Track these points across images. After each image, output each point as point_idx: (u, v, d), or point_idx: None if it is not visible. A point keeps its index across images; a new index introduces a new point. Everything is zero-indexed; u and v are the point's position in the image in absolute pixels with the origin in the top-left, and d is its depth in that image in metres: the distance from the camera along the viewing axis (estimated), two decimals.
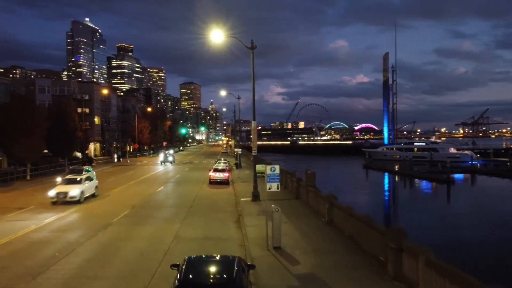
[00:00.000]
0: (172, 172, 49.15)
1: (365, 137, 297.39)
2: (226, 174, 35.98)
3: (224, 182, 35.08)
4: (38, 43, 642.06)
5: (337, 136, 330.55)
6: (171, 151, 71.48)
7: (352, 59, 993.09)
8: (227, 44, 27.65)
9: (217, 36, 24.01)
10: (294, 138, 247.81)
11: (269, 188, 13.94)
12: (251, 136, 27.05)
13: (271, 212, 14.00)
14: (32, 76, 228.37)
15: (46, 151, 47.34)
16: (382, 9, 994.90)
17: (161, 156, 65.24)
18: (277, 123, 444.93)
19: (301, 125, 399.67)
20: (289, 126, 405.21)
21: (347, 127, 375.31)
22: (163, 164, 60.67)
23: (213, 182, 35.07)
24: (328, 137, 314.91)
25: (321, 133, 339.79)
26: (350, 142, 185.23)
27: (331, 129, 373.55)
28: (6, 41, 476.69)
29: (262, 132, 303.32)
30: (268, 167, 13.96)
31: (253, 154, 26.44)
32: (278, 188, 14.03)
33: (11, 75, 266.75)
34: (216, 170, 36.44)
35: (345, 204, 15.84)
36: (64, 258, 13.19)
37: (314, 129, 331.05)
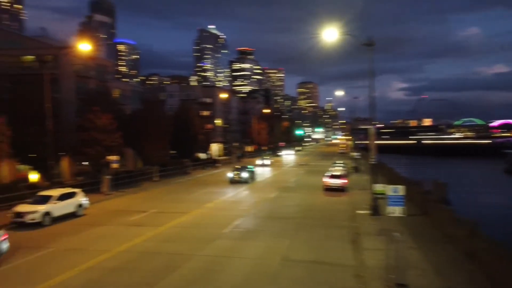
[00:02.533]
0: (287, 175, 48.48)
1: (506, 135, 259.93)
2: (343, 181, 33.59)
3: (340, 189, 32.84)
4: (171, 52, 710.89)
5: (470, 134, 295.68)
6: (250, 166, 44.72)
7: (487, 47, 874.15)
8: (344, 41, 25.73)
9: (331, 34, 22.52)
10: (418, 137, 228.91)
11: (391, 213, 11.68)
12: (369, 137, 24.53)
13: (393, 236, 11.73)
14: (168, 82, 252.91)
15: (174, 151, 50.66)
16: None
17: (229, 174, 40.72)
18: (398, 121, 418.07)
19: (426, 122, 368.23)
20: (412, 123, 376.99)
21: (481, 123, 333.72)
22: (233, 184, 38.43)
23: (329, 189, 33.13)
24: (459, 135, 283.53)
25: (450, 131, 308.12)
26: (489, 141, 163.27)
27: (462, 126, 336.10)
28: (145, 51, 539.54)
29: (382, 130, 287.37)
30: (390, 187, 11.73)
31: (371, 162, 23.84)
32: (403, 214, 11.67)
33: (149, 82, 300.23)
34: (332, 176, 34.34)
35: (495, 240, 12.47)
36: (166, 278, 12.86)
37: (441, 127, 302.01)
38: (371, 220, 20.86)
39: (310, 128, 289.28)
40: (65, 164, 38.41)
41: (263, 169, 55.39)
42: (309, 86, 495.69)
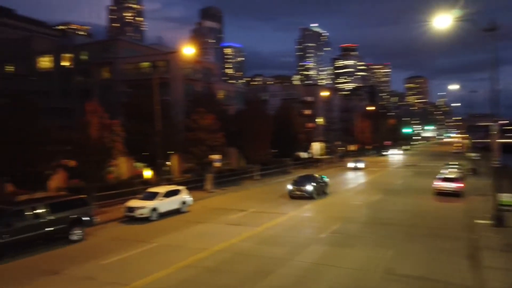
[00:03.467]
0: (393, 177, 45.38)
1: None
2: (458, 184, 30.01)
3: (454, 194, 29.44)
4: (275, 52, 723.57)
5: None
6: (322, 176, 33.30)
7: None
8: (460, 28, 22.89)
9: (444, 21, 19.92)
10: None
11: None
12: (491, 136, 21.49)
13: None
14: (272, 82, 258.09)
15: (275, 150, 50.94)
16: None
17: (289, 186, 30.49)
18: None
19: None
20: None
21: None
22: (294, 199, 29.07)
23: (440, 193, 29.96)
24: None
25: None
26: None
27: None
28: (250, 53, 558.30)
29: (507, 127, 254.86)
30: None
31: (493, 165, 20.77)
32: None
33: (253, 83, 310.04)
34: (444, 179, 31.02)
35: None
36: (257, 284, 12.47)
37: None
38: (493, 233, 18.11)
39: (420, 126, 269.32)
40: (174, 162, 41.08)
41: (355, 174, 49.88)
42: (418, 80, 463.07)
